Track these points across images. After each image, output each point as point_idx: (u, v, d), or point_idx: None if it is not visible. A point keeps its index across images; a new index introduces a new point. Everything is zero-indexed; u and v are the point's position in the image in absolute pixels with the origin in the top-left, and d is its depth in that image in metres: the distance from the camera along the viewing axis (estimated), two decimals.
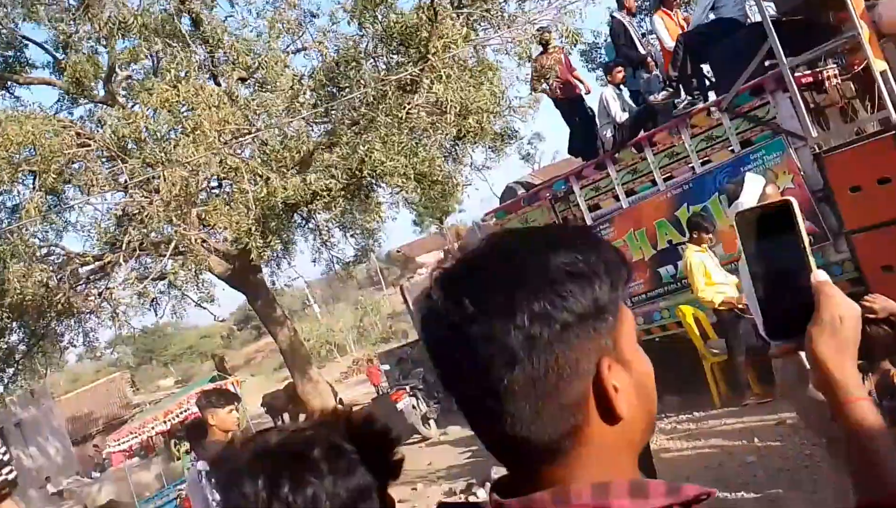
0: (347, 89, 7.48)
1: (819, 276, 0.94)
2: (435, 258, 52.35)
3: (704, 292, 6.96)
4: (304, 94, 7.55)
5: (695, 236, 7.04)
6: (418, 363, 12.43)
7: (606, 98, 7.92)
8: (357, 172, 7.31)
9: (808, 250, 0.96)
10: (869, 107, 6.95)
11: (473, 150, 8.38)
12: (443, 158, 8.16)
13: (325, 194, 7.52)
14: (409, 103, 7.45)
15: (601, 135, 8.09)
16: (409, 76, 7.33)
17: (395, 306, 37.56)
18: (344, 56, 7.69)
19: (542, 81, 8.37)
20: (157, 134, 8.33)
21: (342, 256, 11.56)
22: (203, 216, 8.83)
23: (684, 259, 7.12)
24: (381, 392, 18.56)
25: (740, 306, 6.81)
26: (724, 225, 7.17)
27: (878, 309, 2.85)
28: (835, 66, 6.93)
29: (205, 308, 12.18)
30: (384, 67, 7.60)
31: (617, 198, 8.07)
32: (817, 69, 6.76)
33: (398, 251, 45.61)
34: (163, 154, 7.86)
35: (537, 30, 8.37)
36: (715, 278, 6.99)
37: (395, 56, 7.74)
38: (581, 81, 9.25)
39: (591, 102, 9.19)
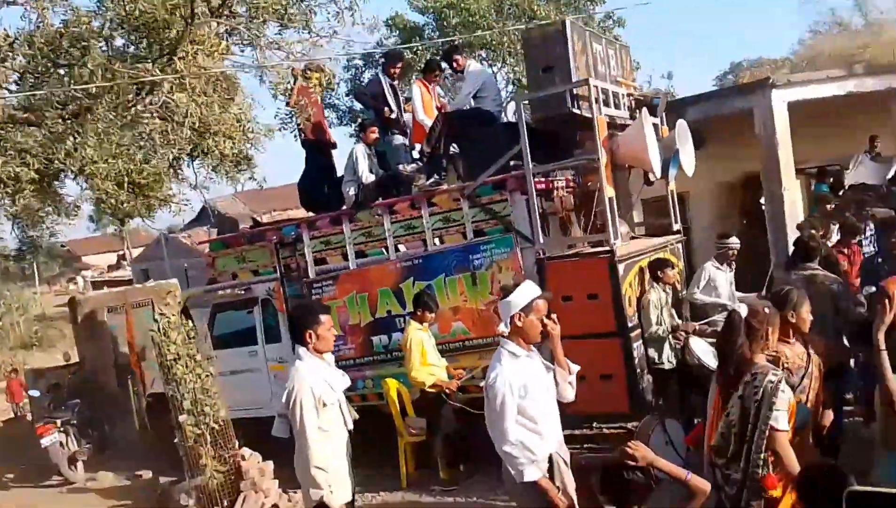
0: (68, 68, 6.31)
1: None
2: (105, 262, 47.38)
3: (418, 372, 6.92)
4: (15, 58, 6.21)
5: (419, 313, 7.03)
6: (76, 393, 10.77)
7: (357, 155, 7.71)
8: (61, 164, 6.13)
9: None
10: (584, 224, 7.61)
11: (206, 171, 7.58)
12: (168, 175, 7.22)
13: (10, 183, 6.19)
14: (141, 104, 6.49)
15: (344, 190, 7.83)
16: (147, 74, 6.39)
17: (48, 308, 32.49)
18: (69, 28, 6.52)
19: (299, 113, 7.93)
20: None
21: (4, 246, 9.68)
22: None
23: (405, 335, 7.05)
24: (18, 413, 15.93)
25: (448, 390, 6.88)
26: (444, 306, 7.30)
27: (638, 457, 2.87)
28: (563, 178, 7.48)
29: None
30: (118, 55, 6.56)
31: (346, 257, 7.82)
32: (549, 178, 7.24)
33: (63, 246, 40.40)
34: None
35: (305, 67, 7.95)
36: (430, 358, 7.00)
37: (133, 47, 6.76)
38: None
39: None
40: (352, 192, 7.73)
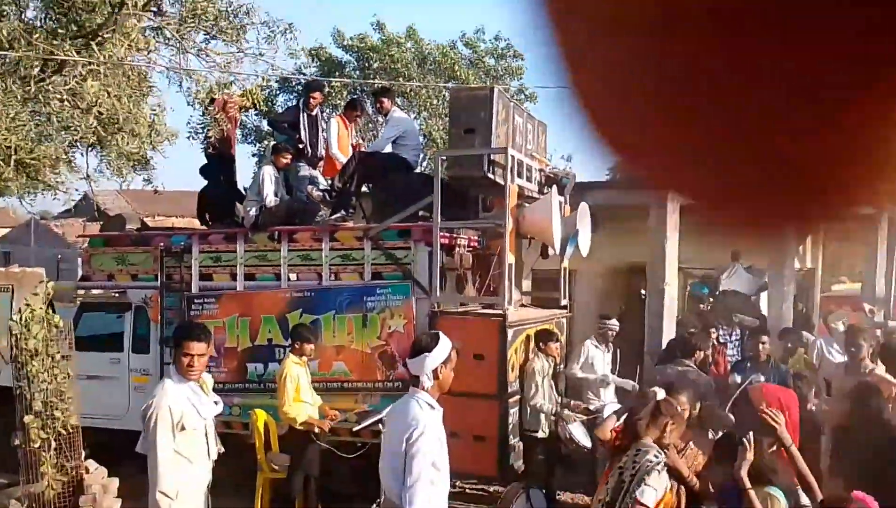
0: None
1: None
2: None
3: (290, 408, 6.71)
4: None
5: (297, 345, 6.88)
6: None
7: (264, 177, 7.58)
8: None
9: None
10: (478, 285, 7.76)
11: (99, 164, 7.23)
12: (63, 161, 6.83)
13: None
14: (49, 83, 6.15)
15: (245, 209, 7.65)
16: (60, 53, 6.09)
17: None
18: None
19: (215, 124, 7.75)
20: None
21: None
22: None
23: (282, 367, 6.86)
24: None
25: (318, 429, 6.72)
26: (329, 344, 7.19)
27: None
28: (466, 237, 7.63)
29: None
30: (34, 30, 6.22)
31: (234, 277, 7.59)
32: (454, 234, 7.37)
33: None
34: None
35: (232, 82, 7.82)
36: (304, 395, 6.82)
37: (52, 23, 6.42)
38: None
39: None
40: (252, 212, 7.57)
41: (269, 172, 7.65)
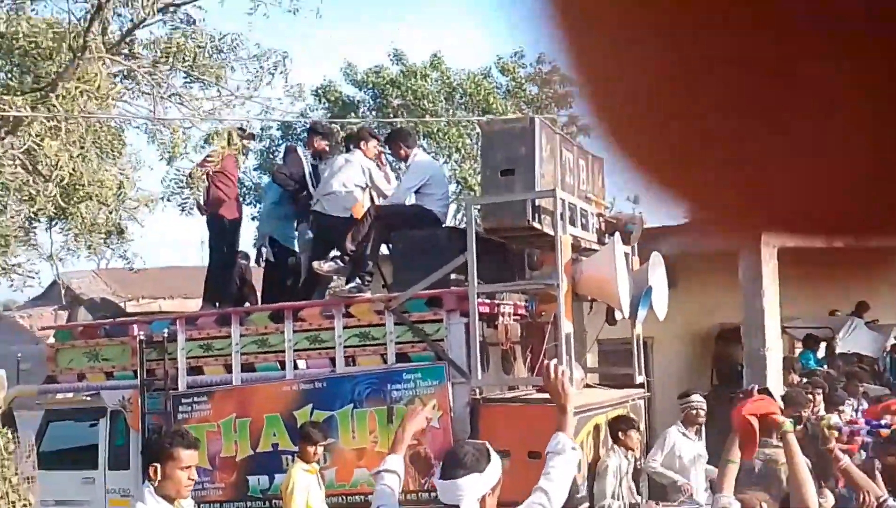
0: None
1: None
2: None
3: None
4: None
5: (302, 447, 6.74)
6: None
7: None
8: None
9: None
10: (529, 363, 7.57)
11: (65, 239, 7.28)
12: (17, 237, 6.91)
13: None
14: (1, 146, 6.25)
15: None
16: (13, 109, 6.20)
17: None
18: None
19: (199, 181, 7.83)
20: None
21: None
22: None
23: (288, 476, 6.70)
24: None
25: None
26: (348, 446, 7.03)
27: None
28: (511, 303, 7.48)
29: None
30: None
31: (230, 369, 7.52)
32: (495, 300, 7.22)
33: None
34: None
35: (239, 129, 7.92)
36: None
37: (3, 76, 6.57)
38: None
39: None
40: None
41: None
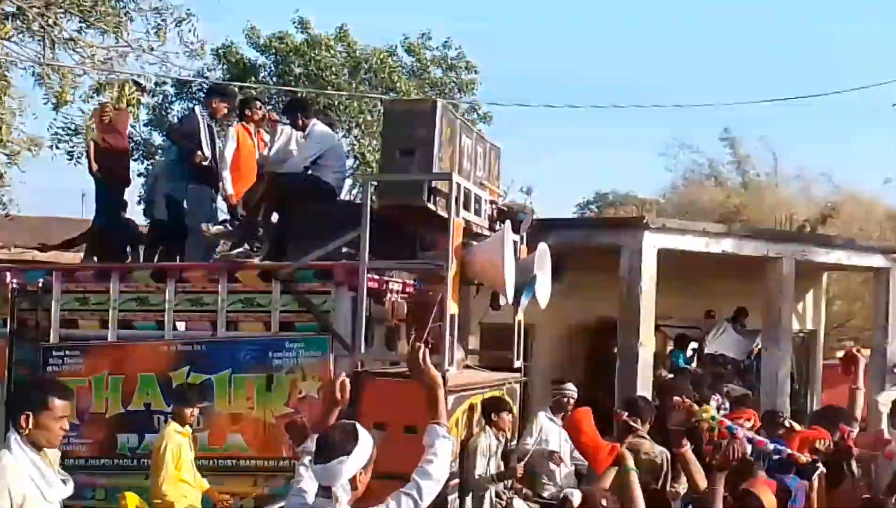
0: None
1: None
2: None
3: (167, 489, 6.45)
4: None
5: (175, 409, 6.68)
6: None
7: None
8: None
9: None
10: (414, 340, 7.66)
11: None
12: None
13: None
14: None
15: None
16: None
17: None
18: None
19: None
20: None
21: None
22: None
23: (160, 437, 6.63)
24: None
25: None
26: (224, 411, 6.99)
27: None
28: (400, 281, 7.57)
29: None
30: None
31: (106, 325, 7.35)
32: (385, 277, 7.29)
33: None
34: None
35: (134, 81, 7.68)
36: (186, 473, 6.58)
37: None
38: None
39: None
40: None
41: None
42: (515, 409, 7.85)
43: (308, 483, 3.80)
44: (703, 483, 4.58)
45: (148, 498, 6.77)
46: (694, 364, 10.68)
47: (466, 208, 6.98)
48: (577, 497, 4.21)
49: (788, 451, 4.98)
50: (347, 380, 4.09)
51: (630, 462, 4.27)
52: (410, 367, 3.94)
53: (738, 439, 4.43)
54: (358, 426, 3.66)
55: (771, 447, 4.98)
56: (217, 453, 6.99)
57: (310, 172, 7.58)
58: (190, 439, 6.70)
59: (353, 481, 3.51)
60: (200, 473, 6.76)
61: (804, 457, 4.80)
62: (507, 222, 7.29)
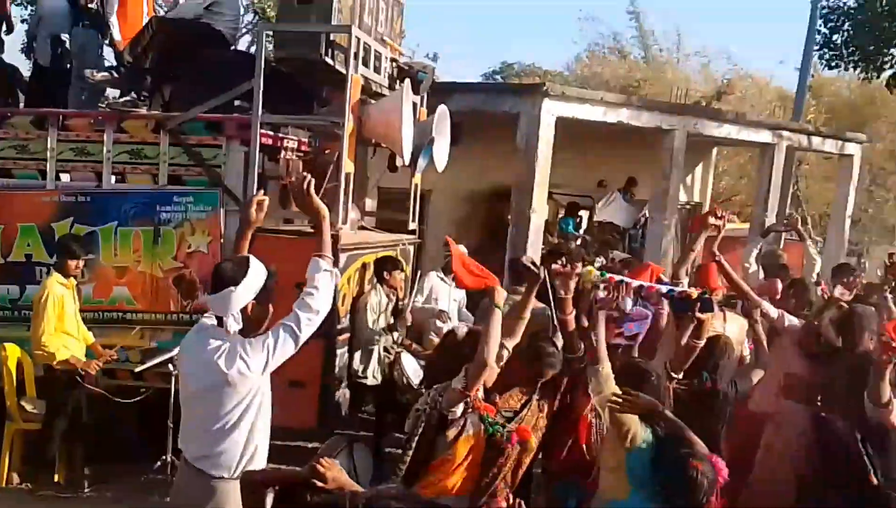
0: None
1: None
2: None
3: (48, 341, 6.35)
4: None
5: (59, 261, 6.52)
6: None
7: None
8: None
9: None
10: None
11: None
12: None
13: None
14: None
15: None
16: None
17: None
18: None
19: None
20: None
21: None
22: None
23: (42, 288, 6.49)
24: None
25: (83, 371, 6.41)
26: (109, 263, 6.86)
27: (328, 479, 2.88)
28: (295, 138, 7.43)
29: None
30: None
31: None
32: (280, 134, 7.15)
33: None
34: None
35: None
36: (68, 325, 6.48)
37: None
38: None
39: None
40: None
41: None
42: (409, 270, 7.96)
43: (207, 320, 3.82)
44: (579, 347, 4.74)
45: (29, 350, 6.69)
46: (582, 231, 10.95)
47: (366, 64, 6.84)
48: (462, 329, 4.32)
49: (680, 289, 5.18)
50: (266, 197, 4.05)
51: (499, 300, 4.37)
52: (295, 197, 3.93)
53: (627, 286, 4.67)
54: (252, 258, 3.71)
55: (664, 289, 5.20)
56: (103, 305, 6.90)
57: (203, 19, 7.24)
58: (74, 291, 6.59)
59: (244, 311, 3.57)
60: (86, 325, 6.70)
61: (694, 291, 4.98)
62: (407, 81, 7.19)
